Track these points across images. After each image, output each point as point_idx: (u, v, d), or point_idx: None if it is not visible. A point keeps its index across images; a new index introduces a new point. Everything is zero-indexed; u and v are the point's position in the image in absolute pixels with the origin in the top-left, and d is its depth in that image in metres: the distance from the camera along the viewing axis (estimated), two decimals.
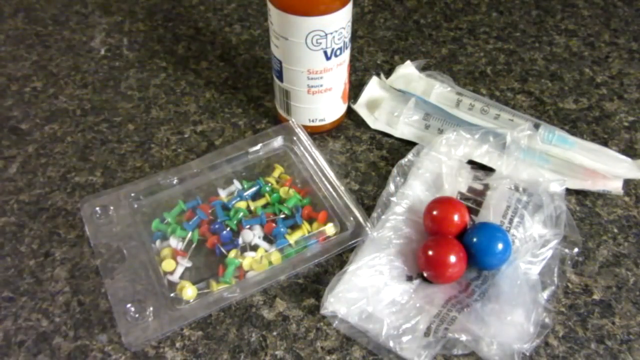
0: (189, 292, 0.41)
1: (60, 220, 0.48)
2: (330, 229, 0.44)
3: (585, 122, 0.55)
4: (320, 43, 0.45)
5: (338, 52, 0.47)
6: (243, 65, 0.61)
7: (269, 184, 0.48)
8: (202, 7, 0.69)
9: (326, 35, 0.45)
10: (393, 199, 0.46)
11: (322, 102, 0.50)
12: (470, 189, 0.48)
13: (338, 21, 0.45)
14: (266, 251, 0.44)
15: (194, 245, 0.44)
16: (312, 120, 0.52)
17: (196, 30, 0.66)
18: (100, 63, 0.62)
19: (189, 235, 0.44)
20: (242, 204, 0.46)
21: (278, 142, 0.50)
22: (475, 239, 0.41)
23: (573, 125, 0.55)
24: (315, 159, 0.48)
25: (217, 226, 0.45)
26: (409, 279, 0.42)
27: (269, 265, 0.43)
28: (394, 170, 0.49)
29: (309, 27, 0.44)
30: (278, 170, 0.49)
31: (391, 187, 0.48)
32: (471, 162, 0.50)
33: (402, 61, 0.59)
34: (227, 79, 0.60)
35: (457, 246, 0.41)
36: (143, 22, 0.67)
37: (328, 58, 0.47)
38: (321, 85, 0.49)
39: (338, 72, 0.48)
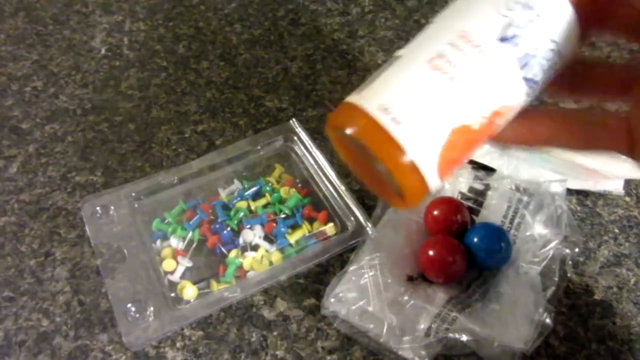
0: (190, 292, 0.41)
1: (60, 220, 0.47)
2: (330, 228, 0.44)
3: None
4: None
5: None
6: (244, 65, 0.61)
7: (270, 184, 0.48)
8: (203, 7, 0.69)
9: None
10: None
11: None
12: (471, 189, 0.48)
13: None
14: (267, 251, 0.43)
15: (194, 245, 0.44)
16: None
17: (197, 30, 0.66)
18: (101, 62, 0.62)
19: (190, 235, 0.44)
20: (242, 204, 0.46)
21: (279, 141, 0.50)
22: (476, 239, 0.41)
23: None
24: (316, 159, 0.48)
25: (217, 226, 0.45)
26: (410, 278, 0.42)
27: (270, 265, 0.43)
28: None
29: None
30: (279, 170, 0.49)
31: None
32: (472, 162, 0.50)
33: None
34: (228, 78, 0.60)
35: (457, 246, 0.41)
36: (143, 21, 0.67)
37: None
38: None
39: None
